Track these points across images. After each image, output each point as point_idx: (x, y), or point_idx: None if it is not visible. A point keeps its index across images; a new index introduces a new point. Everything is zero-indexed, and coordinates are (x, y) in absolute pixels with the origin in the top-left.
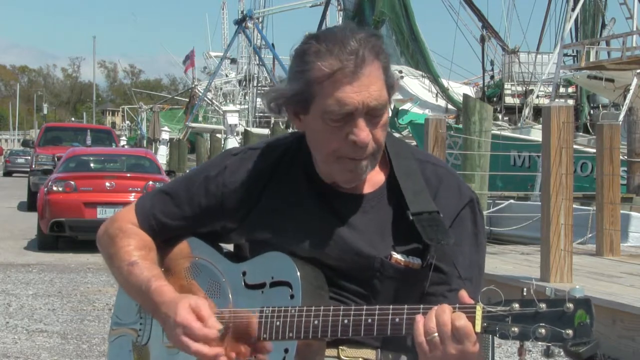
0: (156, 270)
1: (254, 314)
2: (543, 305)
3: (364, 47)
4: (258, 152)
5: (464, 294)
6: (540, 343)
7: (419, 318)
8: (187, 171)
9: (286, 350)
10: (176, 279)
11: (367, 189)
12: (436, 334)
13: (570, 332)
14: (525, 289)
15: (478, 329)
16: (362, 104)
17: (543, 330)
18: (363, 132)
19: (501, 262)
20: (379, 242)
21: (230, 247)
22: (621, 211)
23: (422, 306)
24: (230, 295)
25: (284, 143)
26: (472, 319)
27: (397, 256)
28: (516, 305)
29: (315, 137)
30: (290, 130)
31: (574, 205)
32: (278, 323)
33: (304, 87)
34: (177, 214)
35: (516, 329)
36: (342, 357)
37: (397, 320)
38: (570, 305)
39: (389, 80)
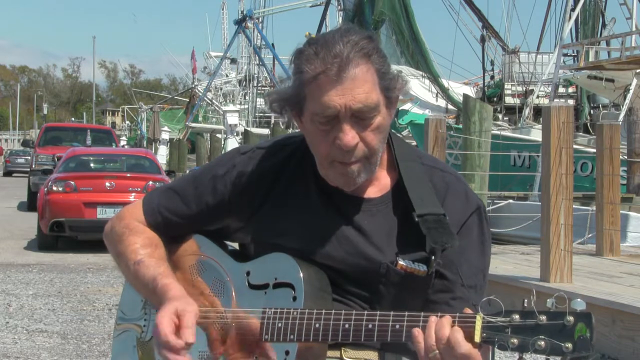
0: (162, 268)
1: (256, 315)
2: (543, 318)
3: (351, 50)
4: (266, 151)
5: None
6: (539, 355)
7: (417, 333)
8: (194, 169)
9: (287, 353)
10: (182, 276)
11: (375, 192)
12: (437, 351)
13: (569, 345)
14: (525, 300)
15: (477, 339)
16: (344, 107)
17: (542, 343)
18: (347, 136)
19: (501, 262)
20: (385, 246)
21: (236, 245)
22: (620, 211)
23: (422, 314)
24: (233, 295)
25: (292, 143)
26: (471, 329)
27: (402, 262)
28: (516, 317)
29: (310, 140)
30: (290, 130)
31: (574, 205)
32: (280, 324)
33: (297, 90)
34: (184, 212)
35: (515, 341)
36: (345, 358)
37: (397, 327)
38: (571, 319)
39: (384, 82)
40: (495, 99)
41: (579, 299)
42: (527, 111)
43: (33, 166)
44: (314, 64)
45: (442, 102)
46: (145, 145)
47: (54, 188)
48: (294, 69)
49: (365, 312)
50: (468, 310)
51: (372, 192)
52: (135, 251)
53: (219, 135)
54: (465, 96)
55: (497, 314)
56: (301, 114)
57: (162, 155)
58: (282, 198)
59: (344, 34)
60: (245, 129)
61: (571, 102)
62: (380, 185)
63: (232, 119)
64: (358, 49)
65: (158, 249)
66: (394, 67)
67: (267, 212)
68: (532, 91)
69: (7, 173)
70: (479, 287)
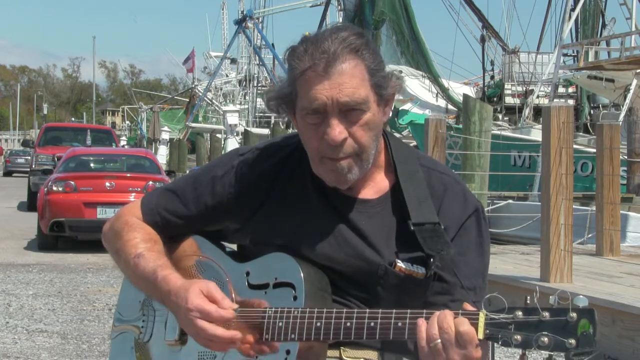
0: (162, 260)
1: (257, 313)
2: (546, 314)
3: (339, 46)
4: (265, 152)
5: (466, 305)
6: (542, 352)
7: (421, 322)
8: (193, 170)
9: (288, 352)
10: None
11: (373, 194)
12: (439, 340)
13: (573, 341)
14: (528, 297)
15: (481, 335)
16: (331, 100)
17: (546, 339)
18: (334, 131)
19: (501, 262)
20: (383, 248)
21: (234, 246)
22: (620, 211)
23: (425, 311)
24: (233, 295)
25: (291, 143)
26: (475, 326)
27: (401, 264)
28: (519, 313)
29: (302, 136)
30: (290, 130)
31: (574, 205)
32: (281, 324)
33: (290, 88)
34: (182, 213)
35: (519, 337)
36: (344, 357)
37: (399, 324)
38: (574, 315)
39: (375, 79)
40: (495, 99)
41: (581, 296)
42: (527, 111)
43: (33, 166)
44: (303, 60)
45: (442, 102)
46: (145, 145)
47: (54, 188)
48: (287, 67)
49: (367, 310)
50: (469, 307)
51: (369, 194)
52: (135, 245)
53: (219, 135)
54: (465, 96)
55: (500, 311)
56: (294, 111)
57: (162, 155)
58: (281, 198)
59: (334, 31)
60: (245, 129)
61: (571, 102)
62: (378, 186)
63: (232, 119)
64: (346, 44)
65: (157, 244)
66: (394, 67)
67: (266, 212)
68: (532, 91)
69: (7, 173)
70: (479, 288)
